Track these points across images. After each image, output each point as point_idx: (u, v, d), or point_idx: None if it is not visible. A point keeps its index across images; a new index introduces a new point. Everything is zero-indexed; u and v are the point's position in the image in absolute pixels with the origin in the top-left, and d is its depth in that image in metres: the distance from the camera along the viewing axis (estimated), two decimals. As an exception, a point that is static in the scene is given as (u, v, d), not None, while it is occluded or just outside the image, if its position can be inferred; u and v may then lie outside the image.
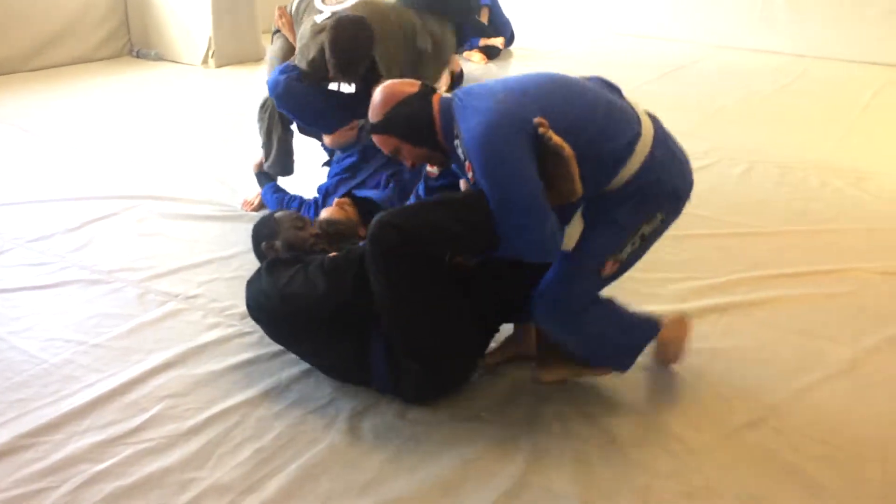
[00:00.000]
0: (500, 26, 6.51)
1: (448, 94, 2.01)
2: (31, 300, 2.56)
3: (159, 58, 5.98)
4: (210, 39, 5.77)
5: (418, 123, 1.98)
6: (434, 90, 2.03)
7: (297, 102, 3.03)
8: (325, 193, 3.07)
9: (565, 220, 1.95)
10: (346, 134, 3.17)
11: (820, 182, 3.81)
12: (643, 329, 2.15)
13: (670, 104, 4.87)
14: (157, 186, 3.52)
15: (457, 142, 1.93)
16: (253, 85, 5.16)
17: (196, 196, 3.43)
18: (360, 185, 3.02)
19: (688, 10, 7.48)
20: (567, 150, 1.84)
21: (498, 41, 6.29)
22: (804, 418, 2.09)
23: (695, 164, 2.12)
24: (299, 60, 2.99)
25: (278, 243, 2.40)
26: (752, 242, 3.14)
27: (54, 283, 2.67)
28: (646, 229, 1.99)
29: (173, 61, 5.93)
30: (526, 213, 1.84)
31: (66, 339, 2.34)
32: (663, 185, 1.97)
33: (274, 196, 3.25)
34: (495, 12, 6.50)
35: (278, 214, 2.54)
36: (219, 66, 5.81)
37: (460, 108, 1.93)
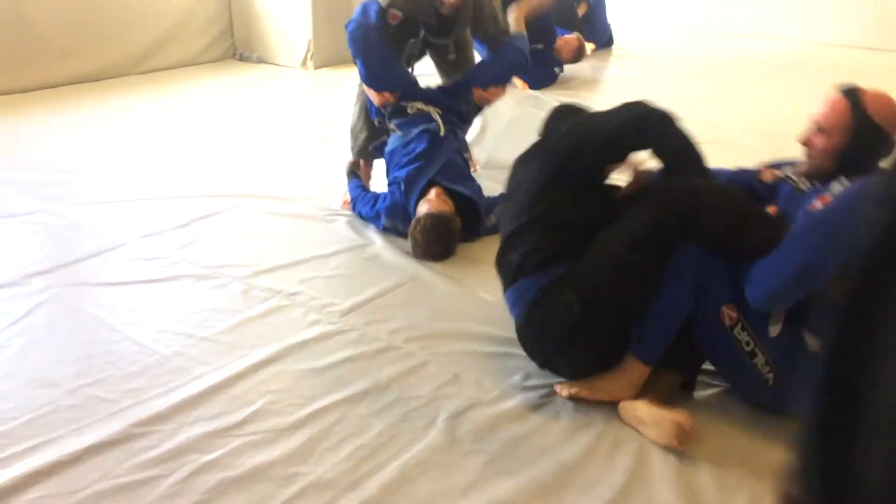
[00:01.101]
0: (597, 29, 6.20)
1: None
2: (144, 293, 2.67)
3: (261, 60, 6.16)
4: (309, 42, 5.91)
5: (867, 155, 2.01)
6: None
7: (363, 46, 3.29)
8: (409, 181, 3.03)
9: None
10: (383, 98, 3.31)
11: (940, 188, 3.59)
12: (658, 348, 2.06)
13: (776, 105, 4.74)
14: (260, 186, 3.62)
15: (839, 181, 2.00)
16: (350, 86, 5.24)
17: (296, 195, 3.51)
18: (442, 174, 3.04)
19: (792, 7, 7.21)
20: None
21: (588, 46, 5.71)
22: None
23: (804, 167, 2.05)
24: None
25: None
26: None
27: (165, 277, 2.78)
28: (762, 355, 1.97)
29: (274, 63, 6.10)
30: (809, 268, 1.83)
31: (177, 331, 2.43)
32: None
33: (357, 189, 3.31)
34: (596, 13, 6.13)
35: None
36: (317, 67, 5.95)
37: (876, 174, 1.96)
